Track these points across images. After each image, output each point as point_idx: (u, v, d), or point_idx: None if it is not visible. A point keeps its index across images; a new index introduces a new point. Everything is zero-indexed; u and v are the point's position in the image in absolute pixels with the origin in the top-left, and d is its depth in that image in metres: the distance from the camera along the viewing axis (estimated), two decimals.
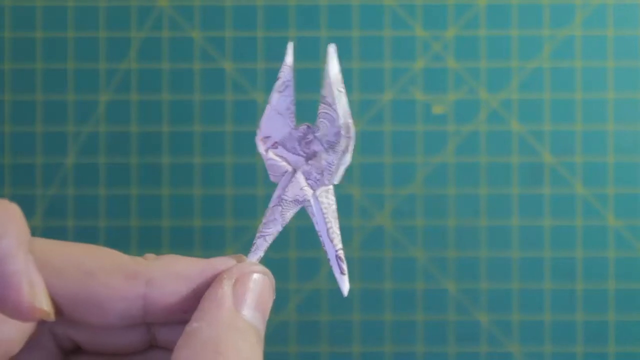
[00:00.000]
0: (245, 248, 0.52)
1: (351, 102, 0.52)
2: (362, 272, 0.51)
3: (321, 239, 0.27)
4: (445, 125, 0.51)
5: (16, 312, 0.21)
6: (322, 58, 0.52)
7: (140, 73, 0.52)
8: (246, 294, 0.24)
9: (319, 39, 0.52)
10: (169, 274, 0.24)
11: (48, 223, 0.51)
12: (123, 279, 0.24)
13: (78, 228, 0.51)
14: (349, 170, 0.51)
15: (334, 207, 0.27)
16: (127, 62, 0.52)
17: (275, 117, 0.26)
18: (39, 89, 0.52)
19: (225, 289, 0.23)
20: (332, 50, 0.25)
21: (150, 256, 0.25)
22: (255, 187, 0.51)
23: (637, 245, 0.51)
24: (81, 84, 0.52)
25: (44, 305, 0.21)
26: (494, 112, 0.51)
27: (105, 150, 0.52)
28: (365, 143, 0.51)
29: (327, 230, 0.27)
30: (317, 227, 0.27)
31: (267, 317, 0.24)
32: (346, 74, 0.52)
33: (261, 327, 0.24)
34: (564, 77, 0.51)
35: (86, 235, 0.51)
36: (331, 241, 0.27)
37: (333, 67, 0.26)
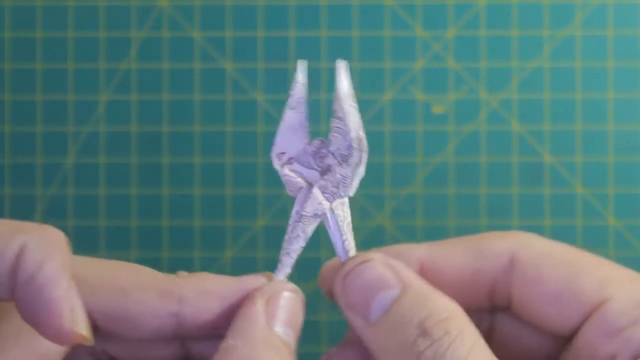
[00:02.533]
0: (246, 248, 0.52)
1: None
2: None
3: (337, 250, 0.27)
4: (445, 125, 0.51)
5: (56, 336, 0.22)
6: (322, 58, 0.52)
7: (140, 73, 0.52)
8: (278, 311, 0.25)
9: (319, 39, 0.52)
10: (201, 292, 0.25)
11: (48, 223, 0.51)
12: (156, 296, 0.24)
13: (78, 228, 0.51)
14: None
15: (349, 219, 0.27)
16: (127, 62, 0.52)
17: (289, 134, 0.27)
18: (39, 89, 0.52)
19: (259, 307, 0.24)
20: (342, 66, 0.26)
21: (183, 274, 0.26)
22: (255, 187, 0.51)
23: (637, 245, 0.51)
24: (81, 84, 0.52)
25: (84, 330, 0.22)
26: (494, 112, 0.51)
27: (105, 150, 0.52)
28: None
29: (343, 242, 0.27)
30: (332, 239, 0.27)
31: (298, 334, 0.25)
32: None
33: (293, 343, 0.25)
34: (564, 77, 0.51)
35: (86, 236, 0.51)
36: (346, 253, 0.27)
37: (343, 83, 0.26)
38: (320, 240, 0.51)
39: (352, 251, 0.27)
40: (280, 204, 0.51)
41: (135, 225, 0.51)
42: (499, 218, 0.51)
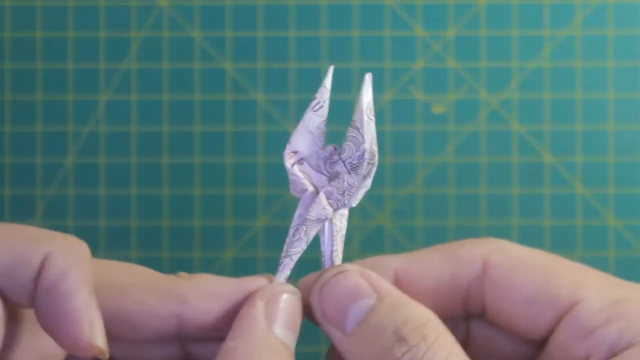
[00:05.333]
0: (246, 248, 0.52)
1: (351, 102, 0.52)
2: None
3: (323, 259, 0.28)
4: (445, 125, 0.51)
5: (74, 347, 0.22)
6: (322, 58, 0.52)
7: (140, 73, 0.52)
8: (278, 313, 0.25)
9: (319, 39, 0.52)
10: (202, 293, 0.25)
11: (48, 223, 0.51)
12: (156, 297, 0.24)
13: (78, 228, 0.51)
14: None
15: (344, 232, 0.28)
16: (127, 62, 0.52)
17: (306, 134, 0.27)
18: (39, 89, 0.52)
19: (259, 308, 0.25)
20: (368, 79, 0.26)
21: (184, 275, 0.26)
22: (255, 187, 0.51)
23: (637, 245, 0.51)
24: (81, 84, 0.52)
25: (101, 343, 0.22)
26: (494, 112, 0.51)
27: (105, 150, 0.52)
28: None
29: (332, 252, 0.28)
30: (322, 247, 0.28)
31: (297, 335, 0.25)
32: (346, 74, 0.52)
33: (292, 345, 0.25)
34: (564, 77, 0.51)
35: (86, 236, 0.51)
36: (332, 264, 0.27)
37: (367, 94, 0.27)
38: (320, 240, 0.51)
39: (338, 263, 0.27)
40: (280, 204, 0.51)
41: (135, 225, 0.51)
42: (499, 218, 0.51)
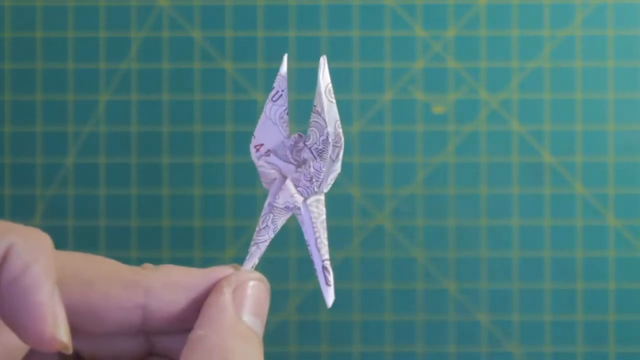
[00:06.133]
0: (245, 248, 0.52)
1: (351, 102, 0.52)
2: (362, 272, 0.51)
3: (309, 248, 0.27)
4: (445, 125, 0.51)
5: (37, 342, 0.22)
6: None
7: (140, 73, 0.52)
8: (245, 300, 0.25)
9: (319, 39, 0.52)
10: (167, 284, 0.25)
11: (48, 223, 0.51)
12: (121, 288, 0.24)
13: (78, 228, 0.51)
14: (348, 170, 0.51)
15: (324, 217, 0.27)
16: (127, 62, 0.52)
17: (269, 126, 0.27)
18: (39, 89, 0.52)
19: (227, 296, 0.24)
20: (322, 62, 0.26)
21: (148, 266, 0.25)
22: (255, 187, 0.51)
23: (637, 245, 0.51)
24: (81, 84, 0.52)
25: (64, 338, 0.22)
26: (494, 112, 0.51)
27: (105, 150, 0.52)
28: (365, 143, 0.51)
29: (315, 240, 0.27)
30: (305, 236, 0.27)
31: (264, 322, 0.25)
32: (346, 74, 0.52)
33: (260, 332, 0.25)
34: (564, 77, 0.51)
35: (86, 236, 0.51)
36: (318, 251, 0.27)
37: (324, 77, 0.26)
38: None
39: (324, 249, 0.27)
40: None
41: (135, 225, 0.51)
42: (499, 218, 0.51)
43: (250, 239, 0.54)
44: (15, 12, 0.52)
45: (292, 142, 0.27)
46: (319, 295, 0.52)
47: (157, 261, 0.54)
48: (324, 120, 0.26)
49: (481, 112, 0.51)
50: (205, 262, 0.51)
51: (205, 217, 0.51)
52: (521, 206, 0.51)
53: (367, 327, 0.51)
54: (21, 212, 0.51)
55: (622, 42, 0.51)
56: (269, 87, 0.52)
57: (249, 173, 0.51)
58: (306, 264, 0.51)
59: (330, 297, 0.27)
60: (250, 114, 0.51)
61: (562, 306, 0.51)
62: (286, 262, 0.51)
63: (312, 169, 0.27)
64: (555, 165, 0.51)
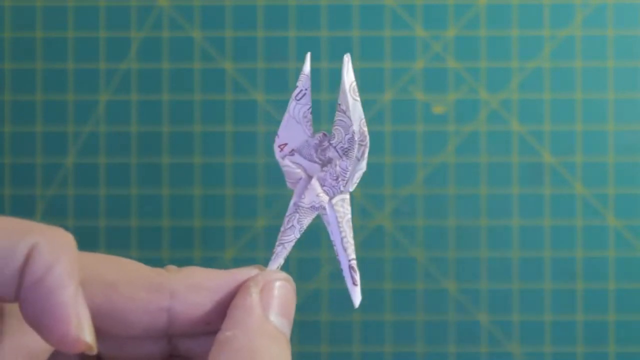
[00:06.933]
0: (245, 248, 0.52)
1: None
2: (362, 272, 0.51)
3: (335, 248, 0.27)
4: (445, 125, 0.51)
5: (61, 342, 0.21)
6: (322, 58, 0.52)
7: (140, 73, 0.52)
8: (272, 300, 0.24)
9: (319, 39, 0.52)
10: (192, 286, 0.24)
11: (48, 223, 0.51)
12: (146, 291, 0.24)
13: (78, 228, 0.51)
14: None
15: (349, 216, 0.27)
16: (127, 62, 0.52)
17: (293, 125, 0.27)
18: (39, 89, 0.52)
19: (254, 296, 0.24)
20: (347, 60, 0.26)
21: (172, 268, 0.25)
22: (255, 187, 0.51)
23: (637, 245, 0.51)
24: (81, 84, 0.52)
25: (89, 339, 0.21)
26: (494, 112, 0.51)
27: (105, 150, 0.52)
28: None
29: (342, 239, 0.27)
30: (331, 237, 0.27)
31: (292, 323, 0.25)
32: None
33: (288, 332, 0.24)
34: (564, 77, 0.51)
35: (86, 235, 0.51)
36: (345, 250, 0.27)
37: (348, 76, 0.26)
38: (320, 240, 0.51)
39: (351, 248, 0.27)
40: (280, 204, 0.51)
41: (135, 225, 0.51)
42: (499, 218, 0.51)
43: (249, 238, 0.54)
44: (15, 12, 0.52)
45: (317, 141, 0.27)
46: (319, 295, 0.52)
47: (157, 261, 0.54)
48: (349, 118, 0.26)
49: (481, 112, 0.51)
50: (206, 262, 0.51)
51: (205, 217, 0.51)
52: (521, 206, 0.51)
53: (367, 327, 0.51)
54: (21, 212, 0.51)
55: (622, 42, 0.51)
56: (269, 87, 0.52)
57: (249, 173, 0.51)
58: (307, 264, 0.51)
59: (357, 297, 0.27)
60: (250, 114, 0.51)
61: (562, 306, 0.51)
62: (287, 263, 0.51)
63: (338, 168, 0.27)
64: (555, 165, 0.51)
